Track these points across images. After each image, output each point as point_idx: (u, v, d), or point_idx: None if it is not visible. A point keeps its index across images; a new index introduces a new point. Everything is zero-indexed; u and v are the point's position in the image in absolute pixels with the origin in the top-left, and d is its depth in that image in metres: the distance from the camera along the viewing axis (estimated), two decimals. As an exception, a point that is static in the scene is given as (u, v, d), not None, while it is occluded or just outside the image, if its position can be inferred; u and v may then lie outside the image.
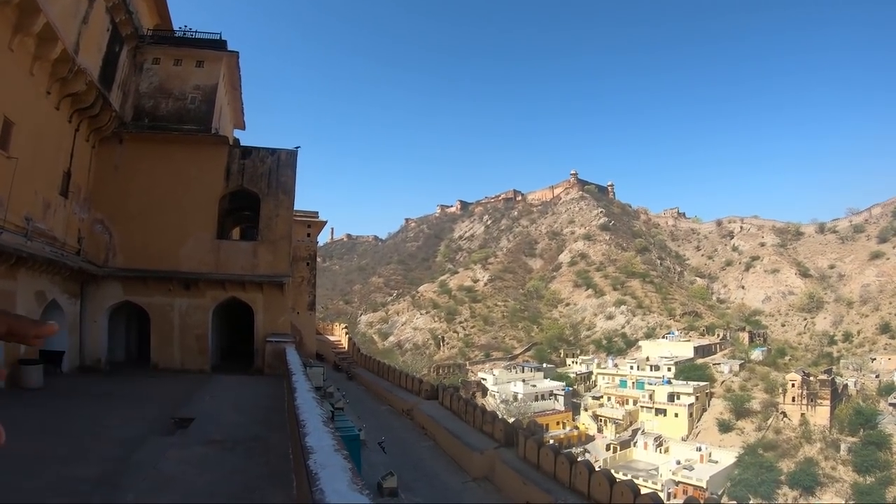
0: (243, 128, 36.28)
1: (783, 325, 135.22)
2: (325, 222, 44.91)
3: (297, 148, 26.30)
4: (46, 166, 20.18)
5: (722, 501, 61.62)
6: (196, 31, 27.47)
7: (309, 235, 43.22)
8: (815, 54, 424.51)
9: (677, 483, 62.37)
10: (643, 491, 14.30)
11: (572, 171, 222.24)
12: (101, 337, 23.81)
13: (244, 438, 11.82)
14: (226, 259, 25.35)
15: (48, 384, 17.74)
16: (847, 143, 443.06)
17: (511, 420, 23.21)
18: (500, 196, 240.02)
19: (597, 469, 15.59)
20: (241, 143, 28.38)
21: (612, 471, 15.12)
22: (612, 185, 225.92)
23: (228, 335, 30.75)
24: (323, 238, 44.90)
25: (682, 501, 44.85)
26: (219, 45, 26.80)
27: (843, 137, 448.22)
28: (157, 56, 26.28)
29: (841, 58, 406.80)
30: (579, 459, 16.47)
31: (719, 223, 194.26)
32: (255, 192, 25.79)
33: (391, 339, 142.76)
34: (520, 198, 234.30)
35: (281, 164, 26.04)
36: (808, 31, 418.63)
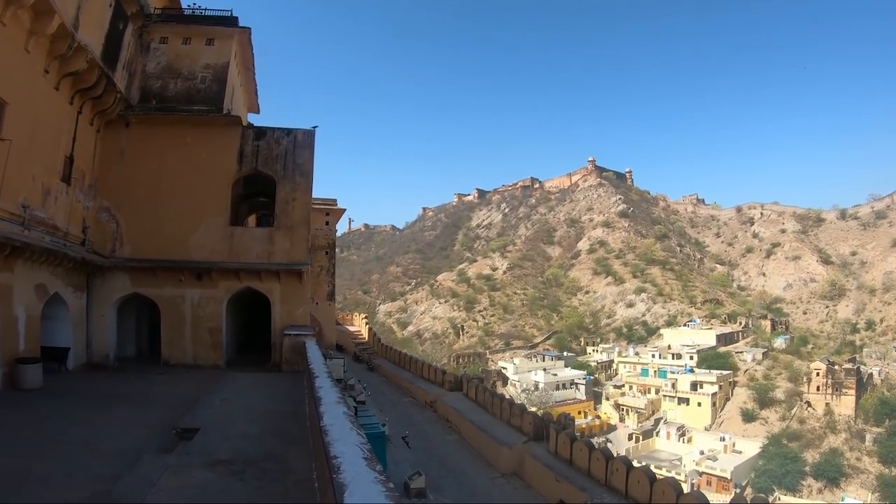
0: (257, 111, 34.68)
1: (805, 313, 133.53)
2: (344, 210, 43.63)
3: (314, 128, 24.79)
4: (45, 150, 18.81)
5: (768, 500, 60.20)
6: (206, 9, 25.99)
7: (328, 223, 41.95)
8: (838, 40, 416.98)
9: (701, 473, 61.48)
10: (682, 488, 13.09)
11: (590, 158, 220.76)
12: (108, 332, 22.55)
13: (257, 457, 9.95)
14: (240, 247, 23.89)
15: (49, 384, 16.45)
16: (868, 129, 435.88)
17: (533, 409, 22.18)
18: (517, 184, 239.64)
19: (635, 465, 14.42)
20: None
21: (635, 461, 14.30)
22: (630, 172, 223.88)
23: (244, 328, 29.47)
24: (340, 228, 44.42)
25: (728, 502, 43.58)
26: (230, 21, 25.19)
27: (864, 123, 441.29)
28: (164, 35, 24.86)
29: (863, 45, 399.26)
30: (599, 448, 15.47)
31: (739, 209, 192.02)
32: (270, 175, 24.28)
33: (410, 328, 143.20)
34: (537, 185, 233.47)
35: (298, 145, 24.49)
36: (830, 18, 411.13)
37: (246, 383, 19.25)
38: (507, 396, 23.18)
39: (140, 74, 24.32)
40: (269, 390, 18.18)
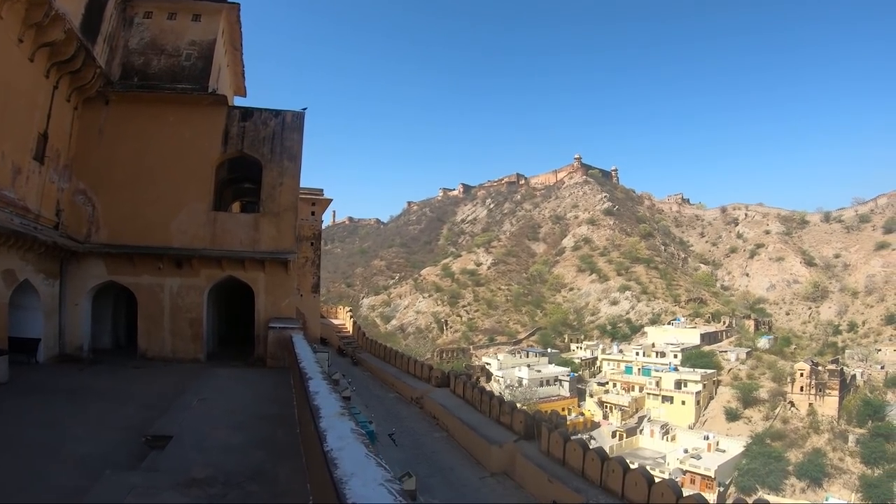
0: (244, 94, 33.34)
1: (788, 314, 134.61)
2: (331, 200, 42.50)
3: (304, 109, 23.61)
4: (16, 126, 17.55)
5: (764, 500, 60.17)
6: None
7: (313, 214, 40.84)
8: (824, 45, 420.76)
9: (685, 472, 61.12)
10: (682, 491, 12.53)
11: (576, 156, 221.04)
12: (82, 322, 21.28)
13: (239, 475, 8.44)
14: (223, 233, 22.66)
15: (15, 378, 15.22)
16: (854, 133, 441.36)
17: (517, 406, 21.95)
18: (503, 179, 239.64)
19: (631, 467, 13.99)
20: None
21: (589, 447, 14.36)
22: (615, 170, 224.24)
23: (226, 319, 28.32)
24: (325, 221, 43.45)
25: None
26: (217, -4, 23.99)
27: (850, 127, 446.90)
28: (149, 9, 23.66)
29: (849, 47, 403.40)
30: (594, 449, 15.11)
31: (724, 210, 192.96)
32: (256, 159, 23.10)
33: (393, 322, 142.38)
34: (523, 181, 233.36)
35: (286, 128, 23.33)
36: (815, 21, 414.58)
37: (227, 380, 17.73)
38: (505, 397, 22.56)
39: (122, 50, 23.09)
40: (252, 389, 16.63)
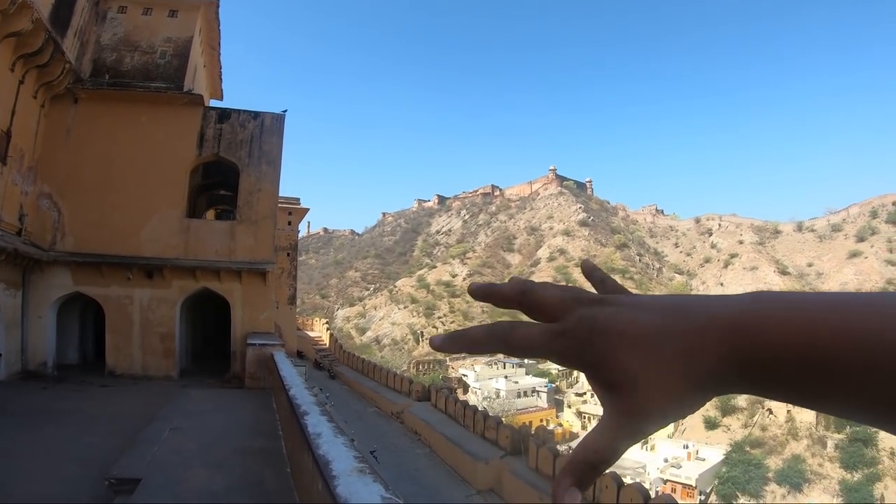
0: (221, 98, 32.00)
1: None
2: (308, 210, 41.49)
3: (284, 112, 22.48)
4: (-24, 123, 16.31)
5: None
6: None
7: (290, 223, 39.77)
8: (796, 56, 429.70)
9: (665, 481, 60.83)
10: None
11: (551, 167, 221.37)
12: (47, 336, 19.81)
13: None
14: (197, 242, 21.38)
15: (-31, 398, 13.84)
16: (826, 143, 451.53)
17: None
18: (477, 191, 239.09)
19: (626, 482, 13.79)
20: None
21: None
22: (590, 182, 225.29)
23: (201, 333, 26.96)
24: (300, 231, 42.52)
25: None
26: (195, -9, 22.86)
27: (822, 137, 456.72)
28: (123, 4, 22.43)
29: (819, 58, 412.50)
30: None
31: (697, 220, 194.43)
32: (233, 163, 21.91)
33: (369, 333, 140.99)
34: (498, 193, 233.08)
35: (265, 130, 22.19)
36: (790, 33, 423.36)
37: (203, 404, 16.16)
38: (481, 408, 22.14)
39: (93, 45, 21.83)
40: (231, 415, 15.04)
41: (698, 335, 0.52)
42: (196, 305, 24.22)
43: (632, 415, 0.54)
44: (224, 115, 22.33)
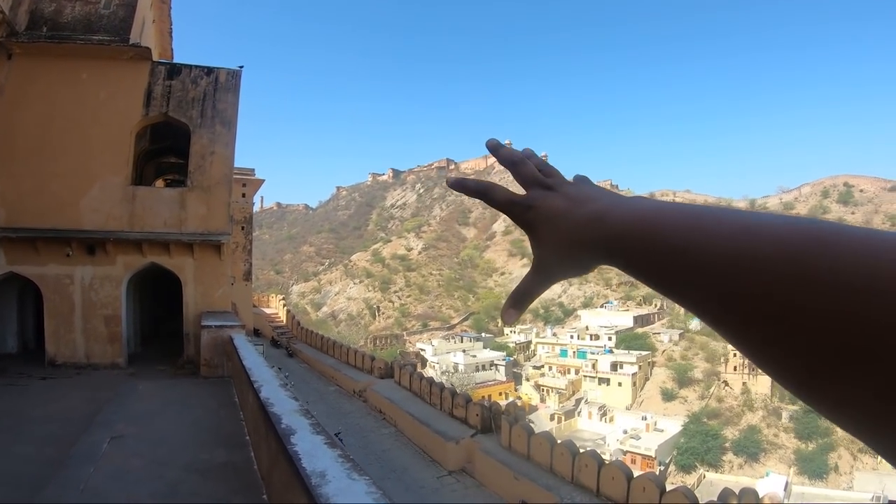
0: (171, 58, 28.53)
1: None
2: (263, 181, 39.22)
3: (240, 67, 20.33)
4: None
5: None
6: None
7: (244, 196, 37.50)
8: (751, 31, 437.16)
9: (625, 452, 61.11)
10: (665, 485, 11.77)
11: (507, 142, 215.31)
12: (-22, 322, 17.62)
13: None
14: (143, 212, 19.19)
15: None
16: (779, 121, 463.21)
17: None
18: (432, 164, 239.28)
19: (607, 461, 13.36)
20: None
21: (559, 441, 13.93)
22: (545, 156, 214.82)
23: (150, 314, 24.88)
24: (254, 205, 40.50)
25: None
26: (140, -65, 20.35)
27: (775, 115, 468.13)
28: (63, -52, 19.80)
29: (775, 33, 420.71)
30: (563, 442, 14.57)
31: (652, 196, 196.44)
32: (183, 123, 19.70)
33: (324, 309, 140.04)
34: (453, 166, 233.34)
35: (219, 88, 19.99)
36: (744, 7, 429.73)
37: (151, 401, 13.93)
38: (439, 382, 21.27)
39: (32, -4, 19.24)
40: (186, 415, 12.74)
41: (579, 222, 0.72)
42: (144, 283, 22.25)
43: (540, 267, 0.80)
44: (174, 70, 20.09)
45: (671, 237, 0.56)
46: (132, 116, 19.23)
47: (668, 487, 11.61)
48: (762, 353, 0.48)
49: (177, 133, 20.30)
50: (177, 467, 8.99)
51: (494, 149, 0.95)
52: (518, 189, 0.92)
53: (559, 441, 14.43)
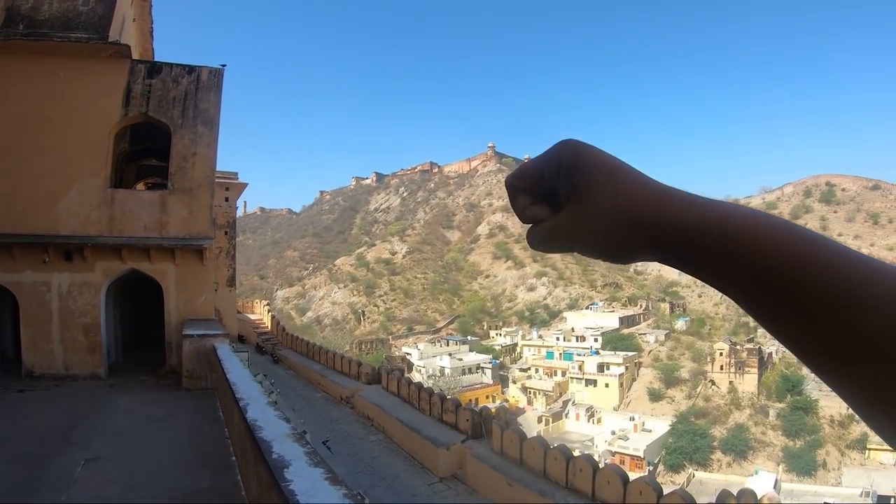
0: (152, 59, 27.92)
1: (700, 297, 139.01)
2: (246, 185, 38.46)
3: (223, 66, 19.73)
4: None
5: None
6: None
7: (227, 199, 36.73)
8: (734, 31, 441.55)
9: (613, 453, 61.66)
10: (662, 489, 11.45)
11: (490, 144, 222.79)
12: (-49, 332, 16.85)
13: None
14: (123, 216, 18.56)
15: None
16: (762, 122, 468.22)
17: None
18: (416, 168, 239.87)
19: (602, 465, 13.11)
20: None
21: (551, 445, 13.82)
22: (528, 158, 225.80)
23: (132, 321, 24.14)
24: (237, 209, 39.67)
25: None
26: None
27: (757, 115, 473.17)
28: (40, -55, 19.07)
29: (757, 33, 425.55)
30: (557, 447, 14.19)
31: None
32: (164, 124, 19.06)
33: (309, 314, 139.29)
34: (436, 170, 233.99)
35: (201, 87, 19.37)
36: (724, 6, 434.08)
37: (131, 417, 13.43)
38: (426, 387, 20.91)
39: (7, -9, 18.49)
40: (168, 433, 11.97)
41: (619, 212, 0.66)
42: (125, 289, 21.59)
43: (568, 231, 0.72)
44: (154, 69, 19.45)
45: (766, 251, 0.56)
46: (111, 116, 18.57)
47: (665, 490, 11.31)
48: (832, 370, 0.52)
49: (158, 134, 19.66)
50: (157, 494, 8.20)
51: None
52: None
53: (552, 445, 14.10)
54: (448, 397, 19.13)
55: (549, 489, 12.85)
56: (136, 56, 21.95)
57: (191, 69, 19.44)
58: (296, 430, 7.20)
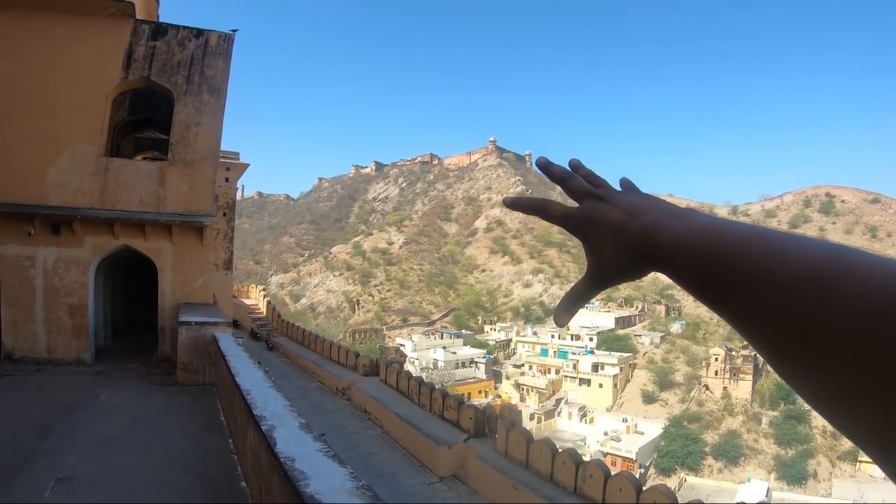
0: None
1: (695, 301, 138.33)
2: (248, 165, 37.06)
3: (234, 31, 18.22)
4: None
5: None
6: None
7: (228, 180, 35.33)
8: (736, 39, 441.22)
9: (605, 454, 60.49)
10: (676, 497, 10.28)
11: (491, 138, 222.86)
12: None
13: None
14: (117, 188, 17.01)
15: None
16: (763, 132, 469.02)
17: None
18: (416, 159, 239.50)
19: (612, 472, 11.88)
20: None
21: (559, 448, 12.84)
22: (529, 155, 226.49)
23: (124, 302, 22.80)
24: (237, 191, 38.51)
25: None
26: None
27: (759, 125, 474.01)
28: None
29: (761, 43, 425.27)
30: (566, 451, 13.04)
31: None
32: (167, 90, 17.55)
33: (303, 301, 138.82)
34: (436, 162, 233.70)
35: (209, 52, 17.82)
36: (726, 11, 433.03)
37: (115, 419, 11.04)
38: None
39: (0, -57, 17.00)
40: (158, 442, 9.83)
41: (634, 234, 0.77)
42: (117, 267, 20.31)
43: (596, 273, 0.85)
44: (159, 30, 17.89)
45: (724, 257, 0.61)
46: (110, 79, 17.05)
47: (681, 500, 10.43)
48: (793, 369, 0.53)
49: (159, 103, 18.20)
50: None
51: (545, 166, 0.98)
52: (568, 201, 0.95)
53: (560, 449, 12.92)
54: (450, 394, 18.23)
55: (557, 494, 11.96)
56: (141, 14, 20.50)
57: (199, 32, 17.91)
58: (362, 483, 4.74)
